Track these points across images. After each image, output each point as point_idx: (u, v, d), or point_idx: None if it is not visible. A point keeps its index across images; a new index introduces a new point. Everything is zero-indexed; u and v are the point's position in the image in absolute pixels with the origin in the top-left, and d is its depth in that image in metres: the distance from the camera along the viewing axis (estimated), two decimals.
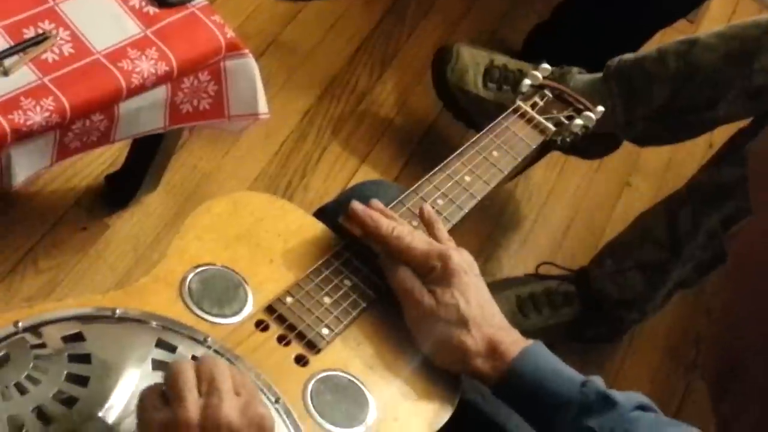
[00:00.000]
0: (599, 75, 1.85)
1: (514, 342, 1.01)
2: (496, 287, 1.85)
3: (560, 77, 1.79)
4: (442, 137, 2.08)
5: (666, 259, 1.78)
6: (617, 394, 0.99)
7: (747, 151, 0.59)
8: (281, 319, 1.00)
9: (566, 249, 2.06)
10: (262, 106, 1.50)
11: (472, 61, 1.96)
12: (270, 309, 1.00)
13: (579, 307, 1.88)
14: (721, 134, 1.92)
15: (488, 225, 2.02)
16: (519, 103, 1.33)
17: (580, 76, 1.85)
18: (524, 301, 1.86)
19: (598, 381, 1.00)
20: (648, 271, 1.80)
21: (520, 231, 2.06)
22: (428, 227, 1.08)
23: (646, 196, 2.18)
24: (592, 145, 1.89)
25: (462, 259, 1.04)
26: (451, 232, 1.12)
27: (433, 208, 1.13)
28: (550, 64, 1.45)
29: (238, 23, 2.03)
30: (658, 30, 2.14)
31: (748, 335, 0.54)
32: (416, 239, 1.04)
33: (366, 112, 2.07)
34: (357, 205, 1.07)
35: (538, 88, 1.38)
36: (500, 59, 1.99)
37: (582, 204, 2.17)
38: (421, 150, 2.05)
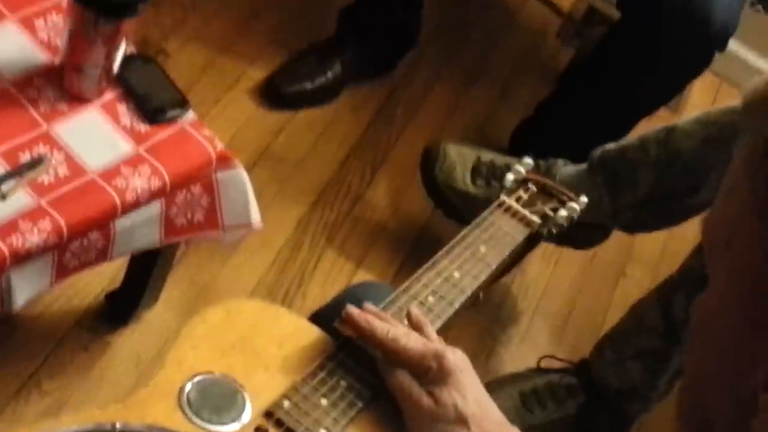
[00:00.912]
0: (584, 166, 1.87)
1: None
2: (499, 384, 1.85)
3: (546, 170, 1.82)
4: (436, 237, 2.09)
5: (664, 346, 1.78)
6: None
7: (702, 222, 0.61)
8: (280, 424, 1.00)
9: (567, 341, 2.06)
10: (255, 216, 1.51)
11: (460, 159, 1.99)
12: (268, 414, 1.01)
13: (582, 400, 1.87)
14: None
15: (487, 321, 2.03)
16: (503, 197, 1.34)
17: (565, 168, 1.87)
18: (527, 396, 1.85)
19: None
20: (647, 359, 1.79)
21: (519, 326, 2.06)
22: (417, 330, 1.09)
23: (643, 285, 2.17)
24: (582, 235, 1.91)
25: (456, 358, 1.05)
26: (446, 330, 1.14)
27: (424, 305, 1.14)
28: (538, 157, 1.47)
29: (229, 136, 2.06)
30: (640, 119, 2.17)
31: (712, 396, 0.56)
32: (411, 340, 1.06)
33: (359, 217, 2.10)
34: (352, 310, 1.08)
35: (522, 182, 1.40)
36: (487, 155, 2.01)
37: (579, 296, 2.17)
38: (416, 251, 2.06)
